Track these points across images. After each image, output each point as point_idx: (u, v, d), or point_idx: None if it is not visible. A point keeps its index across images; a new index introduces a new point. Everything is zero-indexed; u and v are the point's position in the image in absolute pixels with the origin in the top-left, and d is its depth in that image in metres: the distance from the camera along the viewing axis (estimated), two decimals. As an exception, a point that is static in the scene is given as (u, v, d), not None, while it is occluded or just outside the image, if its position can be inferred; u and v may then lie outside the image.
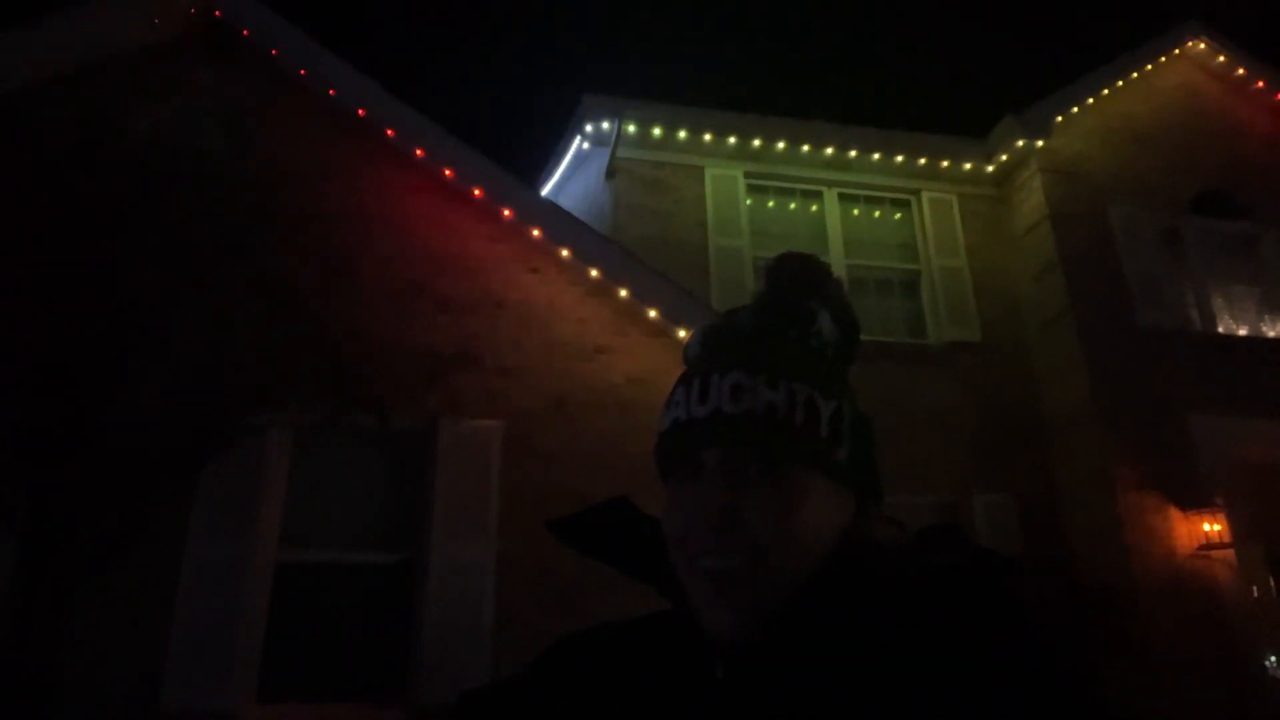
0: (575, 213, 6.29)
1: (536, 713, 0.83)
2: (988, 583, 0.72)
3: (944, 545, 0.76)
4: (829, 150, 7.55)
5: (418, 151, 5.60)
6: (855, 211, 7.80)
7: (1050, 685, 0.65)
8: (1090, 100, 7.79)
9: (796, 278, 0.84)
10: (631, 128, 7.23)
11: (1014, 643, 0.68)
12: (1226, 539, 6.05)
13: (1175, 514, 6.27)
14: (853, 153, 7.60)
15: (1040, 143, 7.48)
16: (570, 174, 8.20)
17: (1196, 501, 6.23)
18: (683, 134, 7.33)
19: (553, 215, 5.72)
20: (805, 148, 7.51)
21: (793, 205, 7.72)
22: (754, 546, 0.70)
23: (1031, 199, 7.53)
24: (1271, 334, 7.42)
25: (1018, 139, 7.50)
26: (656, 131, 7.29)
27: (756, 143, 7.44)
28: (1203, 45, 8.35)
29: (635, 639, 0.83)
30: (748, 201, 7.48)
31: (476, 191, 5.57)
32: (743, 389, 0.74)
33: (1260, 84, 8.33)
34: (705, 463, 0.74)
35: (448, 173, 5.58)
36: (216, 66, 5.68)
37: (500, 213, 5.58)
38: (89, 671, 4.01)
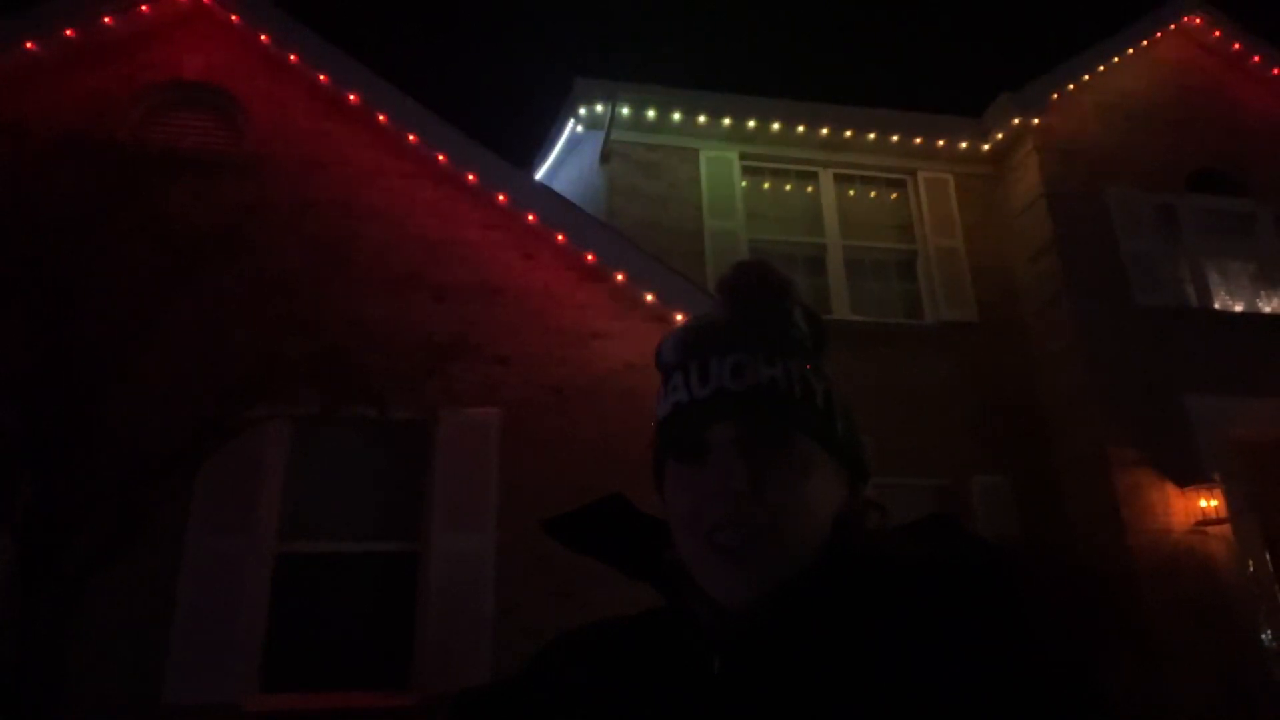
0: (569, 197, 6.26)
1: (534, 712, 0.83)
2: (982, 573, 0.72)
3: (938, 534, 0.77)
4: (824, 131, 7.51)
5: (411, 137, 5.56)
6: (851, 192, 7.77)
7: (1046, 678, 0.65)
8: (1086, 77, 7.75)
9: (762, 281, 0.84)
10: (625, 111, 7.18)
11: (1009, 635, 0.68)
12: (1223, 514, 6.07)
13: (1172, 490, 6.29)
14: (848, 133, 7.56)
15: (1036, 120, 7.45)
16: (564, 158, 8.15)
17: (1193, 477, 6.26)
18: (677, 116, 7.29)
19: (547, 200, 5.69)
20: (800, 128, 7.48)
21: (788, 186, 7.69)
22: (771, 517, 0.71)
23: (1027, 178, 7.51)
24: (1268, 310, 7.42)
25: (1014, 117, 7.46)
26: (650, 114, 7.24)
27: (751, 124, 7.40)
28: (1199, 20, 8.29)
29: (631, 636, 0.83)
30: (743, 183, 7.44)
31: (470, 177, 5.53)
32: (744, 367, 0.75)
33: (1256, 59, 8.28)
34: (712, 441, 0.74)
35: (441, 158, 5.55)
36: (206, 54, 5.63)
37: (495, 198, 5.55)
38: (92, 668, 4.01)
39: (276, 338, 3.95)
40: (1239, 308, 7.40)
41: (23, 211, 3.50)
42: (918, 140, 7.69)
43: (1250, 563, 6.19)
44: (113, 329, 3.51)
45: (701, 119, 7.32)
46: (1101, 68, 7.83)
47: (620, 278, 5.51)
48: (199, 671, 4.26)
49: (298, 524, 4.83)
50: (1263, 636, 5.92)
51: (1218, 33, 8.29)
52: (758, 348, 0.77)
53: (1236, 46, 8.29)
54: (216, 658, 4.32)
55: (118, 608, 4.14)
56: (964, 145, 7.79)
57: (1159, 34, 8.16)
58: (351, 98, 5.58)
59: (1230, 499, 6.12)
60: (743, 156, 7.49)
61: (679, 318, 5.39)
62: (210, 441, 3.80)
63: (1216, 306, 7.29)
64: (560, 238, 5.52)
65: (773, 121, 7.43)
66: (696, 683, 0.73)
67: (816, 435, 0.75)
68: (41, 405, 3.36)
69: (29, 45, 5.17)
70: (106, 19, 5.39)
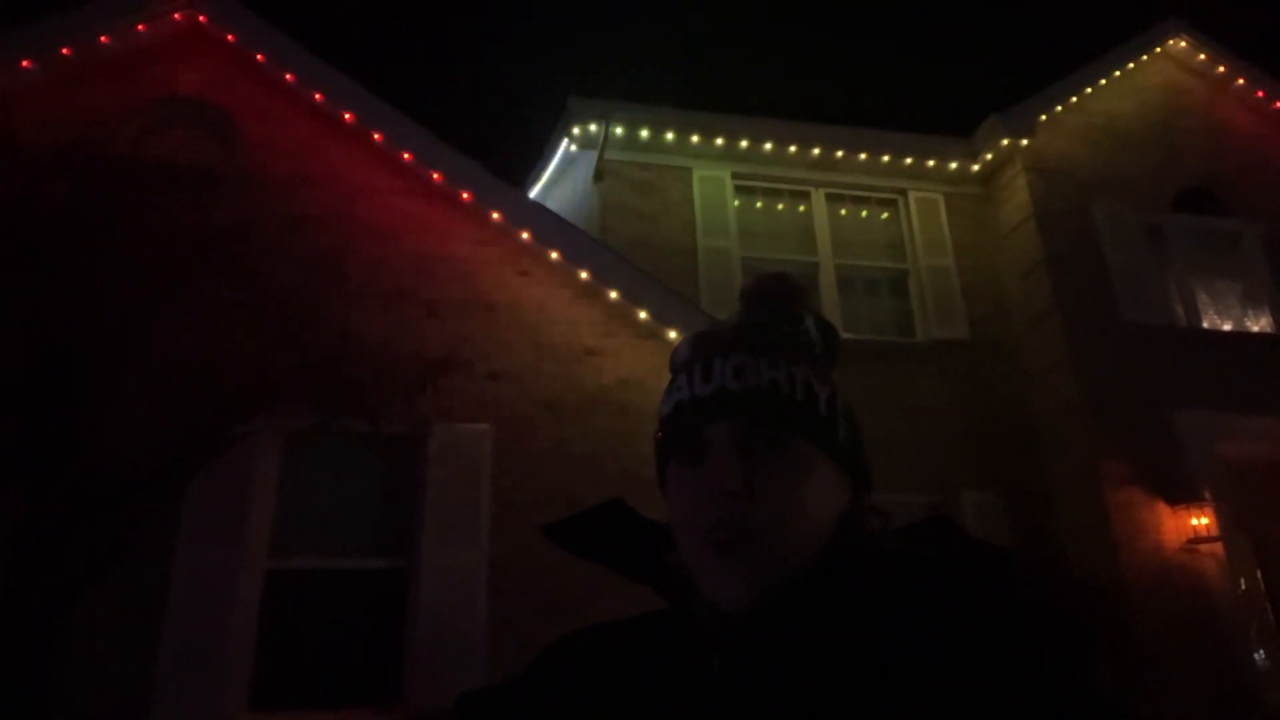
0: (563, 215, 6.29)
1: (534, 713, 0.83)
2: (983, 575, 0.73)
3: (939, 538, 0.77)
4: (816, 150, 7.58)
5: (405, 155, 5.59)
6: (843, 211, 7.83)
7: (1047, 677, 0.65)
8: (1074, 99, 7.85)
9: (778, 290, 0.86)
10: (619, 130, 7.23)
11: (1009, 636, 0.69)
12: (1214, 532, 6.09)
13: (1163, 508, 6.31)
14: (839, 153, 7.63)
15: (1025, 141, 7.54)
16: (558, 177, 8.20)
17: (1184, 496, 6.27)
18: (670, 136, 7.35)
19: (541, 217, 5.72)
20: (792, 148, 7.54)
21: (780, 206, 7.74)
22: (768, 517, 0.72)
23: (1016, 197, 7.58)
24: (1255, 329, 7.49)
25: (1002, 138, 7.55)
26: (644, 133, 7.30)
27: (744, 144, 7.46)
28: (1184, 43, 8.42)
29: (631, 637, 0.84)
30: (735, 203, 7.49)
31: (465, 195, 5.56)
32: (746, 368, 0.77)
33: (1240, 81, 8.42)
34: (712, 440, 0.75)
35: (436, 176, 5.57)
36: (202, 71, 5.66)
37: (489, 215, 5.57)
38: (80, 683, 3.96)
39: (268, 351, 3.95)
40: (1227, 326, 7.47)
41: (16, 224, 3.50)
42: (908, 160, 7.77)
43: (1242, 581, 6.21)
44: (104, 342, 3.51)
45: (694, 138, 7.38)
46: (1089, 90, 7.95)
47: (613, 295, 5.53)
48: (187, 689, 4.21)
49: (288, 540, 4.80)
50: (1256, 655, 5.92)
51: (1203, 56, 8.43)
52: (762, 350, 0.78)
53: (1221, 69, 8.42)
54: (205, 675, 4.27)
55: (106, 623, 4.09)
56: (954, 165, 7.87)
57: (1145, 57, 8.29)
58: (346, 116, 5.61)
59: (1221, 516, 6.15)
60: (735, 176, 7.54)
61: (672, 335, 5.41)
62: (200, 456, 3.79)
63: (1204, 325, 7.35)
64: (554, 255, 5.55)
65: (765, 141, 7.49)
66: (696, 683, 0.74)
67: (817, 439, 0.76)
68: (33, 418, 3.35)
69: (25, 64, 5.18)
70: (103, 38, 5.41)
